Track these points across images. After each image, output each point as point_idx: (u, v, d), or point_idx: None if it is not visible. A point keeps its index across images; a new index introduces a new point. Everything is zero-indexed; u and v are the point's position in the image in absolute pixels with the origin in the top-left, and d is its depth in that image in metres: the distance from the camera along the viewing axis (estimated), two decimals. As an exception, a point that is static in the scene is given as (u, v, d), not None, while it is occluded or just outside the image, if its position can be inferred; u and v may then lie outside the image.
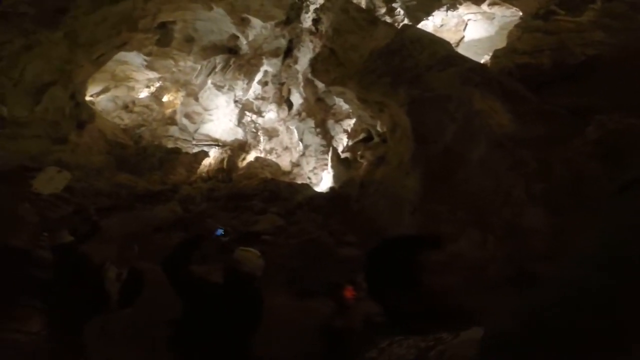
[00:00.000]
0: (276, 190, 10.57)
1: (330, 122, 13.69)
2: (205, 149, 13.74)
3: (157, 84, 13.71)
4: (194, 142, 13.92)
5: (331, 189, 11.85)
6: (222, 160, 13.18)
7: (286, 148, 14.75)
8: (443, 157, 6.57)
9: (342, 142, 13.57)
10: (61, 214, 1.42)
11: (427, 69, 7.96)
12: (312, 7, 11.87)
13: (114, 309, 3.81)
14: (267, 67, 13.46)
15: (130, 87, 13.29)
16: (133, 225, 8.90)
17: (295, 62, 12.97)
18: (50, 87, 8.46)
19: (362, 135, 12.70)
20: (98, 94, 12.47)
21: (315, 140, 13.91)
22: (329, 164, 13.50)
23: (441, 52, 8.18)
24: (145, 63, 12.40)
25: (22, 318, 1.45)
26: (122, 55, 11.25)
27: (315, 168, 14.21)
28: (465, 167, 5.98)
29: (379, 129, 11.30)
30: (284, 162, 14.60)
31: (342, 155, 13.02)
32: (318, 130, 13.71)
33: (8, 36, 7.04)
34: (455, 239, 5.11)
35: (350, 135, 13.32)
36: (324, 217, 9.07)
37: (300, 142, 14.26)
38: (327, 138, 13.83)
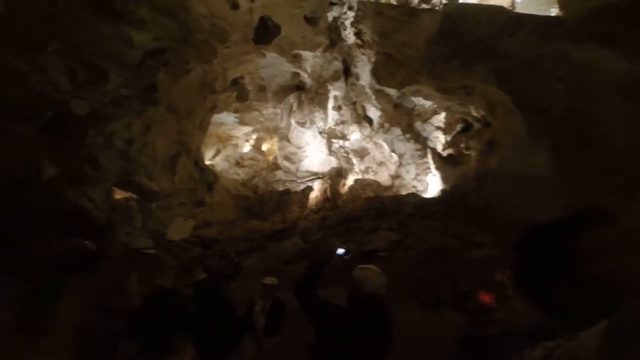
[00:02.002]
0: (382, 207, 10.45)
1: (418, 124, 13.05)
2: (309, 183, 14.70)
3: (254, 136, 15.55)
4: (298, 180, 15.08)
5: (442, 191, 11.07)
6: (325, 190, 13.83)
7: (380, 163, 14.61)
8: (567, 121, 5.52)
9: (438, 140, 12.69)
10: (192, 255, 1.66)
11: (496, 38, 7.25)
12: (347, 23, 11.96)
13: (261, 338, 4.23)
14: (334, 91, 13.88)
15: (234, 144, 15.41)
16: (267, 262, 10.02)
17: (358, 79, 13.06)
18: (178, 158, 10.51)
19: (459, 127, 11.69)
20: (213, 156, 14.87)
21: (408, 147, 13.41)
22: (432, 166, 12.71)
23: (500, 17, 7.46)
24: (237, 120, 14.31)
25: (179, 350, 1.65)
26: (217, 117, 13.21)
27: (417, 175, 13.57)
28: (599, 124, 4.89)
29: (474, 113, 10.26)
30: (383, 177, 14.42)
31: (444, 153, 12.13)
32: (407, 136, 13.20)
33: (128, 119, 8.36)
34: (622, 210, 4.08)
35: (445, 131, 12.39)
36: (442, 222, 8.48)
37: (392, 154, 13.94)
38: (421, 141, 13.16)
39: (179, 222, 1.80)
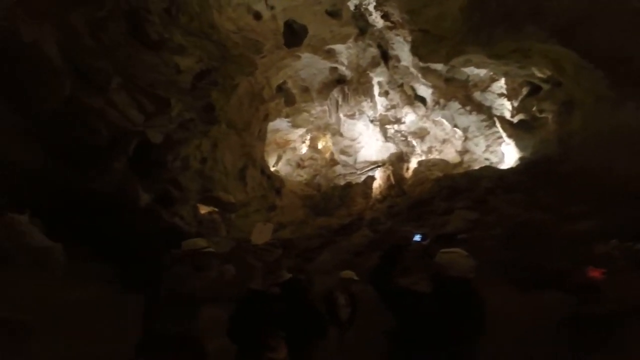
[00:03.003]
0: (454, 185, 9.88)
1: (477, 94, 12.09)
2: (370, 173, 14.56)
3: (308, 136, 15.86)
4: (358, 172, 15.04)
5: (521, 159, 10.10)
6: (388, 177, 13.57)
7: (444, 141, 13.83)
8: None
9: (504, 107, 11.63)
10: (275, 256, 1.76)
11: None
12: (371, 7, 11.33)
13: (345, 330, 4.36)
14: (377, 78, 13.40)
15: (292, 148, 15.92)
16: (339, 256, 10.24)
17: (398, 60, 12.43)
18: (246, 170, 11.20)
19: (525, 90, 10.63)
20: (276, 162, 15.56)
21: (471, 120, 12.48)
22: (503, 135, 11.65)
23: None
24: (289, 124, 14.71)
25: (275, 346, 1.74)
26: (272, 125, 13.69)
27: (488, 146, 12.58)
28: None
29: (539, 74, 9.29)
30: (449, 155, 13.64)
31: (515, 120, 11.07)
32: (468, 108, 12.29)
33: (197, 140, 8.96)
34: None
35: (509, 96, 11.29)
36: (527, 194, 7.72)
37: (455, 129, 13.08)
38: (484, 111, 12.16)
39: (259, 226, 1.92)
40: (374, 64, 12.97)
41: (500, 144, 12.34)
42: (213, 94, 9.00)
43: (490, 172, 10.06)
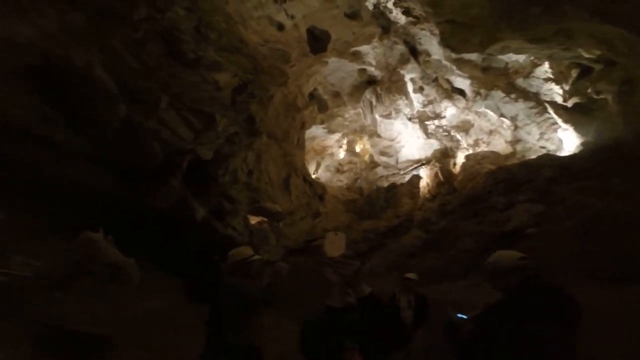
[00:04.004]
0: (511, 177, 9.21)
1: (520, 81, 11.33)
2: (414, 172, 14.07)
3: (345, 141, 15.71)
4: (402, 172, 14.59)
5: (583, 144, 9.20)
6: (436, 175, 13.02)
7: (491, 132, 13.03)
8: None
9: (553, 92, 10.79)
10: (353, 269, 1.58)
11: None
12: (390, 4, 10.93)
13: (410, 332, 4.15)
14: (409, 75, 12.96)
15: (330, 154, 15.85)
16: (389, 259, 9.92)
17: (429, 55, 11.92)
18: (290, 179, 11.24)
19: (574, 73, 9.75)
20: (316, 169, 15.56)
21: (518, 107, 11.69)
22: (558, 120, 10.77)
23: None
24: (325, 130, 14.65)
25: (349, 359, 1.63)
26: (308, 133, 13.69)
27: (542, 134, 11.68)
28: None
29: (586, 55, 8.57)
30: (499, 146, 12.82)
31: (569, 104, 10.19)
32: (513, 96, 11.53)
33: (243, 153, 9.04)
34: None
35: (557, 80, 10.44)
36: (598, 181, 6.97)
37: (502, 119, 12.28)
38: (531, 97, 11.35)
39: (331, 237, 1.76)
40: (403, 61, 12.64)
41: (555, 130, 11.46)
42: (252, 107, 9.18)
43: (551, 160, 9.27)
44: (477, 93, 12.35)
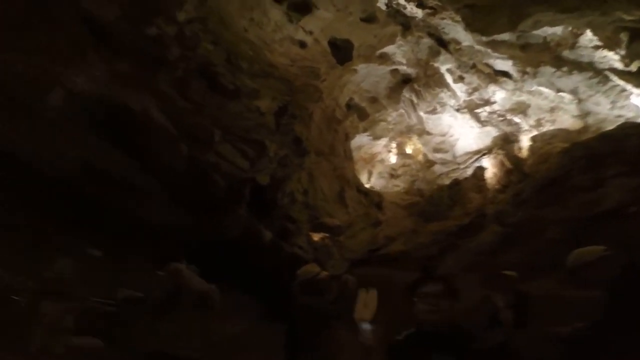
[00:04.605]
0: (591, 152, 8.14)
1: (566, 53, 10.25)
2: (476, 164, 13.18)
3: (393, 144, 15.26)
4: (462, 167, 13.76)
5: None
6: (501, 163, 12.03)
7: (552, 109, 11.80)
8: None
9: (608, 58, 9.65)
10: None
11: None
12: (401, 0, 10.45)
13: (510, 332, 3.75)
14: (444, 66, 12.25)
15: (380, 160, 15.49)
16: (466, 259, 9.21)
17: (458, 42, 11.21)
18: (344, 192, 11.18)
19: (624, 37, 8.69)
20: (369, 178, 15.31)
21: (575, 80, 10.57)
22: (627, 86, 9.59)
23: None
24: (370, 137, 14.34)
25: None
26: (353, 143, 13.50)
27: (614, 102, 10.40)
28: None
29: (629, 17, 7.81)
30: (566, 122, 11.58)
31: (633, 68, 9.03)
32: (564, 69, 10.43)
33: (296, 174, 9.32)
34: None
35: (607, 46, 9.31)
36: None
37: (561, 94, 11.13)
38: (585, 67, 10.20)
39: (362, 296, 1.70)
40: (433, 54, 12.11)
41: (627, 97, 10.14)
42: (296, 127, 9.45)
43: (635, 128, 8.05)
44: (524, 72, 11.43)
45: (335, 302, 2.61)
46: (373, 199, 12.58)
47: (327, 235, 9.68)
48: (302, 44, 9.90)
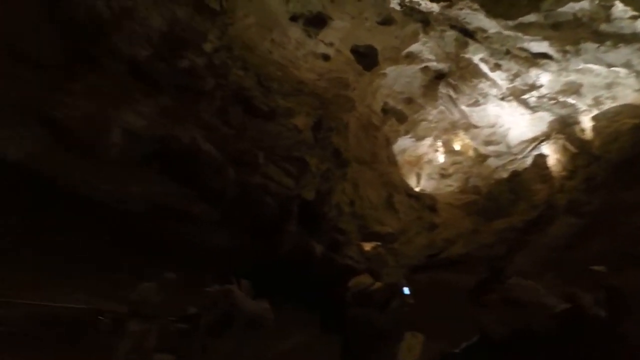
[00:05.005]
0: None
1: (604, 26, 9.08)
2: (534, 152, 12.08)
3: (439, 143, 14.49)
4: (520, 157, 12.68)
5: None
6: (564, 148, 10.87)
7: (609, 85, 10.46)
8: None
9: None
10: None
11: None
12: None
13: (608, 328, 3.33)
14: (476, 56, 11.35)
15: (427, 161, 14.77)
16: (538, 255, 8.32)
17: (484, 30, 10.39)
18: (392, 198, 10.84)
19: None
20: (418, 181, 14.67)
21: (624, 52, 9.36)
22: None
23: None
24: (413, 139, 13.69)
25: None
26: (396, 147, 13.00)
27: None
28: None
29: None
30: (628, 97, 10.25)
31: None
32: (608, 43, 9.34)
33: (340, 186, 9.35)
34: None
35: None
36: None
37: (614, 68, 9.88)
38: (630, 39, 8.99)
39: (408, 340, 1.61)
40: (461, 46, 11.40)
41: None
42: (334, 139, 9.50)
43: None
44: (564, 52, 10.39)
45: (393, 314, 2.54)
46: (425, 202, 12.05)
47: (379, 243, 9.45)
48: (326, 57, 9.99)
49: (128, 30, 5.64)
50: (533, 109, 12.21)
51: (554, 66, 11.03)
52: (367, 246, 9.19)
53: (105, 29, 5.44)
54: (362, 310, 2.60)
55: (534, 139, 12.32)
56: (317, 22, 9.40)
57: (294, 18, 8.90)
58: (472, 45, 11.24)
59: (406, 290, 2.92)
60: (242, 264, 6.12)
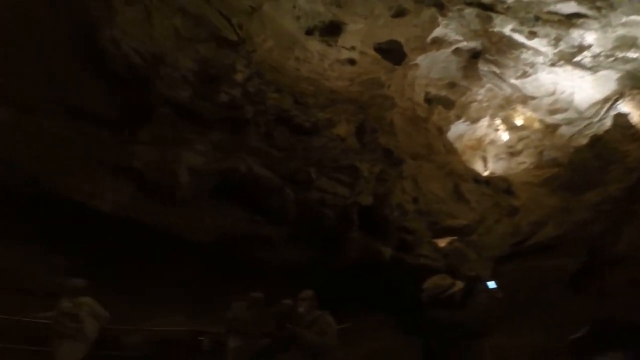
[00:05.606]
0: None
1: None
2: (611, 112, 10.74)
3: (497, 122, 13.30)
4: (595, 120, 11.29)
5: None
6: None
7: None
8: None
9: None
10: None
11: None
12: None
13: None
14: (506, 27, 10.31)
15: (490, 142, 13.55)
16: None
17: (502, 2, 9.49)
18: (458, 187, 10.15)
19: None
20: (485, 165, 13.52)
21: None
22: None
23: None
24: (467, 123, 12.71)
25: None
26: (451, 134, 12.14)
27: None
28: None
29: None
30: None
31: None
32: None
33: (399, 185, 9.05)
34: None
35: None
36: None
37: None
38: None
39: None
40: (485, 20, 10.51)
41: None
42: (381, 140, 9.32)
43: None
44: (597, 8, 9.15)
45: (474, 312, 2.34)
46: (498, 185, 11.13)
47: (454, 238, 8.86)
48: (351, 61, 9.93)
49: (165, 75, 6.20)
50: (592, 69, 10.88)
51: (594, 24, 9.80)
52: (442, 242, 8.67)
53: (145, 77, 6.05)
54: (442, 312, 2.42)
55: (605, 100, 10.92)
56: (332, 30, 9.47)
57: (309, 32, 9.08)
58: (497, 18, 10.47)
59: (492, 284, 2.63)
60: (315, 275, 6.22)
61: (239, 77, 7.31)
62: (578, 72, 11.16)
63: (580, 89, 11.47)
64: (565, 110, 11.96)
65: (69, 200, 5.34)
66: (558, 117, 12.13)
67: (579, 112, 11.70)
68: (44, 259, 5.13)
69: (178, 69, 6.33)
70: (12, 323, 4.05)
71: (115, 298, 4.80)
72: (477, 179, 11.00)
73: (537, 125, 12.68)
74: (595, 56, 10.75)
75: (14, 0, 5.03)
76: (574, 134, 11.76)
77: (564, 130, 12.04)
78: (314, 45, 9.49)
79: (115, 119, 5.88)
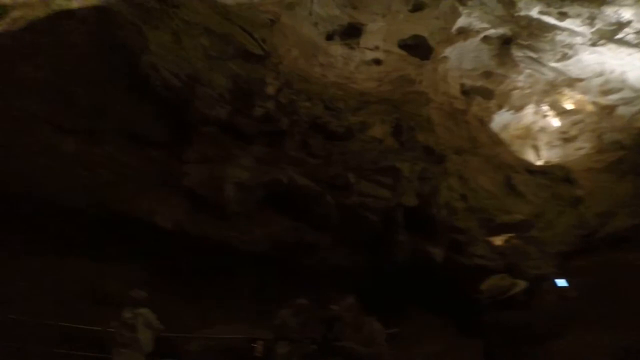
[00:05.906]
0: None
1: None
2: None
3: (544, 108, 12.35)
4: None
5: None
6: None
7: None
8: None
9: None
10: None
11: None
12: None
13: None
14: (533, 10, 9.60)
15: (539, 129, 12.61)
16: None
17: None
18: (510, 180, 9.50)
19: None
20: (537, 153, 12.60)
21: None
22: None
23: None
24: (511, 112, 11.91)
25: None
26: (495, 125, 11.57)
27: None
28: None
29: None
30: None
31: None
32: None
33: (444, 183, 8.65)
34: None
35: None
36: None
37: None
38: None
39: None
40: (509, 5, 9.87)
41: None
42: (419, 137, 9.02)
43: None
44: None
45: (542, 312, 2.12)
46: (555, 174, 10.31)
47: (512, 234, 8.23)
48: (377, 61, 9.81)
49: (202, 94, 6.55)
50: (637, 45, 9.83)
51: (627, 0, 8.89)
52: (498, 240, 8.07)
53: (184, 98, 6.41)
54: (505, 313, 2.21)
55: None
56: (352, 32, 9.45)
57: (329, 37, 9.14)
58: (521, 2, 9.83)
59: (561, 282, 2.39)
60: (363, 279, 6.10)
61: (270, 89, 7.52)
62: (625, 50, 10.25)
63: (633, 66, 10.50)
64: (619, 90, 11.01)
65: (133, 219, 5.78)
66: (613, 98, 11.16)
67: (636, 91, 10.74)
68: (114, 272, 5.52)
69: (213, 87, 6.68)
70: (87, 331, 4.38)
71: (176, 308, 5.05)
72: (530, 169, 10.26)
73: (590, 107, 11.68)
74: (638, 32, 9.83)
75: (60, 37, 5.58)
76: (634, 114, 10.76)
77: (622, 110, 11.05)
78: (336, 49, 9.50)
79: (165, 141, 6.29)
